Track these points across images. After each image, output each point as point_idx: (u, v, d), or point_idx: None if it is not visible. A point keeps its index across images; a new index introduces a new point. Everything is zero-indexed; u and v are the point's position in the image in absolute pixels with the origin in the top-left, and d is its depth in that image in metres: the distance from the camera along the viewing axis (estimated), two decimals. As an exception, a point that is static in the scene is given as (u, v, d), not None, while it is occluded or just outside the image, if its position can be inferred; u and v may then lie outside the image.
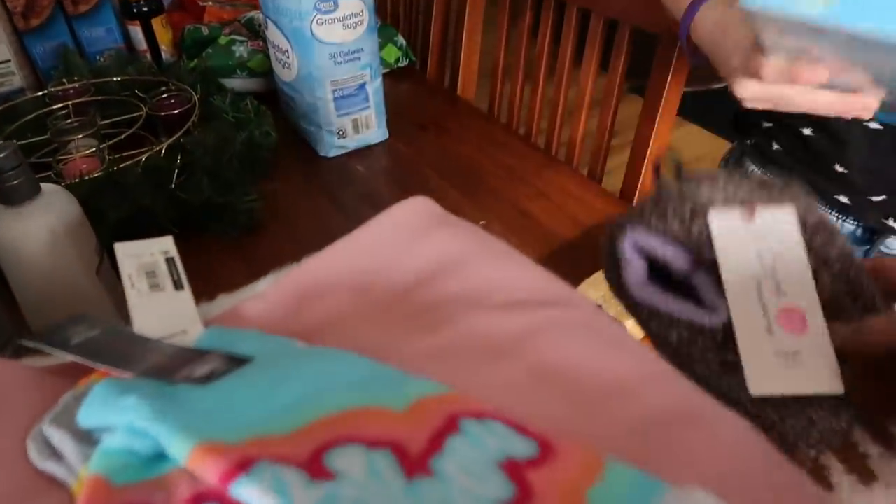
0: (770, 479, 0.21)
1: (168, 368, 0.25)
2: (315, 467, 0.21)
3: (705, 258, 0.30)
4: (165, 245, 0.32)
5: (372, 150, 0.79)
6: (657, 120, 0.70)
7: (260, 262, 0.39)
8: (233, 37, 0.81)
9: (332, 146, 0.76)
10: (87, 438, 0.24)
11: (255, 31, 0.85)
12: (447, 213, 0.34)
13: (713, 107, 2.01)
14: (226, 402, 0.24)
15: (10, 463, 0.23)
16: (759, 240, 0.29)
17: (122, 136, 0.70)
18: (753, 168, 0.68)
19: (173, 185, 0.66)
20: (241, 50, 0.81)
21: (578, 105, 0.81)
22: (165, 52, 0.86)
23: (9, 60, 0.79)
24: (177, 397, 0.24)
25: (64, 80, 0.75)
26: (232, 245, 0.66)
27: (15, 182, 0.47)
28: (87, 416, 0.24)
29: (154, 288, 0.30)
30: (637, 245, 0.30)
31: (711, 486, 0.20)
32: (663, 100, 0.69)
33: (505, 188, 0.72)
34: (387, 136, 0.80)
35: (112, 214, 0.61)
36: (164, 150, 0.67)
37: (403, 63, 0.91)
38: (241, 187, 0.68)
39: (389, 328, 0.28)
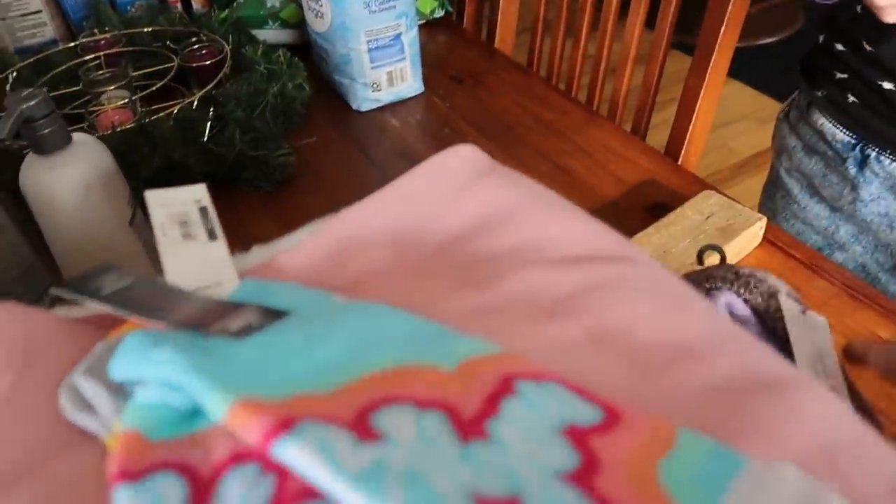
0: (857, 454, 0.19)
1: (202, 321, 0.23)
2: (362, 428, 0.19)
3: (776, 332, 0.37)
4: (198, 193, 0.31)
5: (406, 104, 0.76)
6: (708, 71, 0.66)
7: (292, 217, 0.37)
8: (265, -14, 0.79)
9: (366, 100, 0.74)
10: (121, 391, 0.22)
11: (287, -20, 0.82)
12: (495, 162, 0.32)
13: (757, 63, 1.93)
14: (264, 357, 0.23)
15: (42, 415, 0.23)
16: (811, 330, 0.36)
17: (154, 88, 0.69)
18: (823, 121, 0.64)
19: (205, 138, 0.65)
20: (273, 0, 0.78)
21: (622, 60, 0.77)
22: (196, 2, 0.84)
23: (40, 11, 0.77)
24: (213, 351, 0.23)
25: (95, 31, 0.74)
26: (264, 199, 0.64)
27: (46, 131, 0.46)
28: (119, 369, 0.23)
29: (187, 237, 0.29)
30: (728, 305, 0.37)
31: (791, 459, 0.18)
32: (716, 50, 0.65)
33: (544, 144, 0.70)
34: (422, 89, 0.77)
35: (144, 167, 0.60)
36: (196, 103, 0.66)
37: (439, 14, 0.88)
38: (273, 141, 0.67)
39: (434, 283, 0.26)
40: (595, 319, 0.23)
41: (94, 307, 0.25)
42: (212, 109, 0.67)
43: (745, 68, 1.77)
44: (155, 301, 0.25)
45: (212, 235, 0.29)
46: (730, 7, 0.64)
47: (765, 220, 0.54)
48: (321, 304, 0.26)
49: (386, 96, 0.75)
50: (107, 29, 0.75)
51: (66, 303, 0.28)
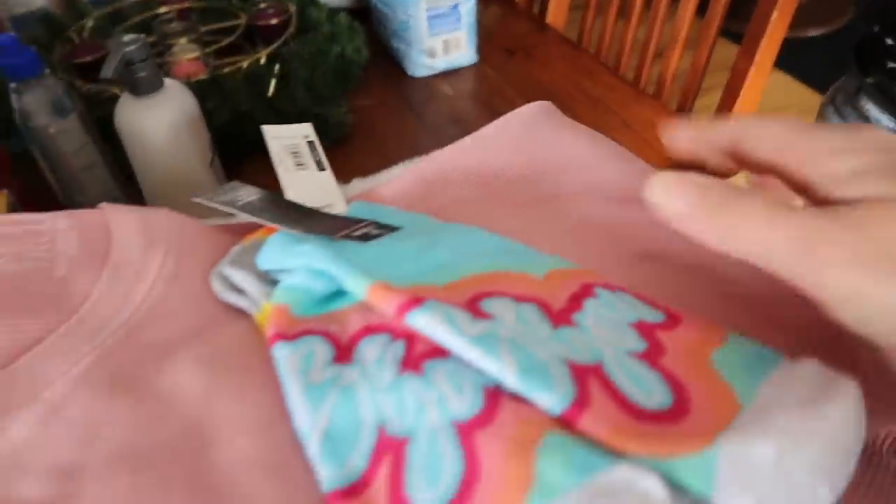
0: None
1: (327, 229, 0.29)
2: (474, 309, 0.24)
3: None
4: (306, 130, 0.36)
5: (459, 73, 0.81)
6: (757, 55, 0.70)
7: (349, 174, 0.42)
8: (328, -50, 0.83)
9: (421, 66, 0.79)
10: (266, 278, 0.28)
11: (348, -54, 0.87)
12: (568, 118, 0.37)
13: (803, 55, 1.94)
14: (385, 258, 0.28)
15: (200, 294, 0.28)
16: None
17: (223, 44, 0.74)
18: (870, 106, 0.68)
19: (270, 94, 0.70)
20: (335, -36, 0.83)
21: (671, 42, 0.81)
22: (260, -37, 0.89)
23: (114, -37, 0.83)
24: (344, 249, 0.28)
25: (167, -15, 0.79)
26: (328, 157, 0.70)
27: (143, 74, 0.51)
28: (266, 260, 0.28)
29: (299, 166, 0.34)
30: None
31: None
32: (766, 33, 0.69)
33: (591, 117, 0.74)
34: (476, 59, 0.82)
35: (216, 117, 0.66)
36: (263, 59, 0.71)
37: (494, -14, 0.92)
38: (332, 100, 0.72)
39: (515, 215, 0.32)
40: (663, 248, 0.29)
41: (232, 213, 0.30)
42: (277, 67, 0.72)
43: (790, 59, 1.78)
44: (282, 212, 0.30)
45: (320, 166, 0.34)
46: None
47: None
48: (423, 223, 0.31)
49: (440, 63, 0.80)
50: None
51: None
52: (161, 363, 0.26)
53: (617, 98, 0.77)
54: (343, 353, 0.25)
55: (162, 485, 0.22)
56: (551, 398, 0.22)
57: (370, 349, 0.24)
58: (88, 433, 0.23)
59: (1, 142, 0.61)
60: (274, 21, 0.76)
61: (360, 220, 0.30)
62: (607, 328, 0.25)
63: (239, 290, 0.28)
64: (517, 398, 0.22)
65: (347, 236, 0.28)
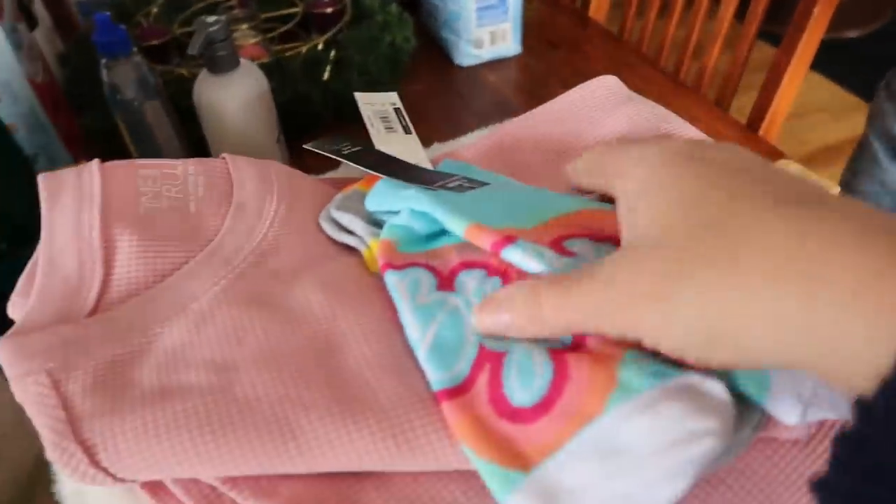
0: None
1: (424, 180, 0.34)
2: (559, 248, 0.29)
3: None
4: (393, 98, 0.41)
5: (504, 63, 0.86)
6: (797, 50, 0.75)
7: None
8: (380, -57, 0.89)
9: (468, 55, 0.84)
10: (370, 220, 0.33)
11: (397, -60, 0.92)
12: (634, 92, 0.42)
13: (840, 57, 1.97)
14: (478, 205, 0.33)
15: (310, 232, 0.33)
16: None
17: (281, 30, 0.79)
18: None
19: (325, 77, 0.76)
20: (387, -44, 0.88)
21: (711, 40, 0.86)
22: (312, -46, 0.94)
23: (175, -47, 0.88)
24: (442, 195, 0.33)
25: (228, -26, 0.85)
26: (377, 137, 0.75)
27: (222, 53, 0.57)
28: (374, 202, 0.33)
29: (388, 130, 0.39)
30: None
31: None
32: (807, 31, 0.74)
33: (634, 107, 0.78)
34: (520, 51, 0.87)
35: (277, 97, 0.71)
36: (320, 45, 0.77)
37: (538, -19, 0.97)
38: (384, 85, 0.77)
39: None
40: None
41: (338, 159, 0.35)
42: (333, 52, 0.77)
43: (826, 61, 1.81)
44: (381, 162, 0.35)
45: (406, 130, 0.39)
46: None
47: (837, 190, 0.63)
48: (505, 182, 0.36)
49: (486, 54, 0.85)
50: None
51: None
52: (288, 284, 0.31)
53: (657, 91, 0.82)
54: (445, 282, 0.30)
55: (303, 378, 0.27)
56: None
57: (470, 281, 0.29)
58: (235, 337, 0.29)
59: (79, 118, 0.67)
60: (329, 10, 0.81)
61: (452, 175, 0.35)
62: None
63: (347, 231, 0.33)
64: (600, 338, 0.27)
65: (443, 187, 0.33)
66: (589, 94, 0.41)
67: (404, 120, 0.40)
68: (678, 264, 0.22)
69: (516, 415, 0.26)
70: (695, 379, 0.24)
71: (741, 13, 0.83)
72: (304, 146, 0.35)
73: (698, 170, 0.24)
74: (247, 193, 0.34)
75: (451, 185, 0.34)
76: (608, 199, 0.31)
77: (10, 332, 0.28)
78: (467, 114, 0.79)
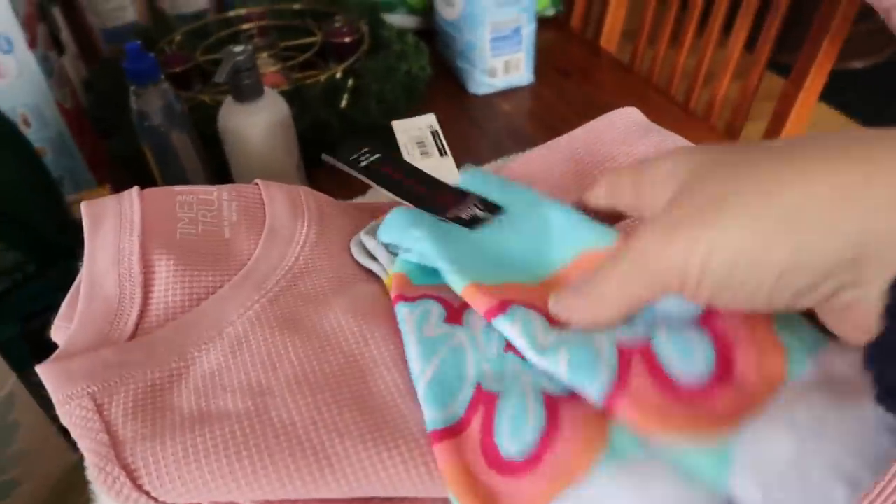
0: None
1: (439, 205, 0.35)
2: (551, 318, 0.30)
3: None
4: (430, 120, 0.42)
5: (518, 92, 0.87)
6: (806, 80, 0.76)
7: None
8: (397, -25, 0.91)
9: (482, 84, 0.85)
10: (391, 248, 0.34)
11: (414, -28, 0.94)
12: (653, 123, 0.43)
13: (846, 87, 1.99)
14: (488, 249, 0.34)
15: (339, 257, 0.34)
16: None
17: (302, 59, 0.81)
18: None
19: (343, 105, 0.77)
20: (403, -12, 0.90)
21: (721, 69, 0.87)
22: (330, -15, 0.96)
23: (197, -17, 0.91)
24: (450, 236, 0.34)
25: (248, 5, 0.87)
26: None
27: (248, 82, 0.58)
28: (385, 235, 0.34)
29: (424, 154, 0.40)
30: None
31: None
32: (816, 62, 0.75)
33: (646, 136, 0.79)
34: (533, 80, 0.88)
35: (297, 124, 0.72)
36: (339, 74, 0.78)
37: (551, 12, 0.99)
38: (401, 112, 0.78)
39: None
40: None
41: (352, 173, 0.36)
42: (351, 81, 0.78)
43: (833, 91, 1.82)
44: (397, 176, 0.36)
45: (442, 152, 0.40)
46: (834, 21, 0.73)
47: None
48: (526, 198, 0.37)
49: (500, 83, 0.86)
50: (249, 4, 0.88)
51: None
52: (319, 308, 0.32)
53: (667, 119, 0.82)
54: (454, 315, 0.31)
55: (337, 403, 0.28)
56: (593, 388, 0.26)
57: (478, 319, 0.30)
58: (269, 361, 0.29)
59: (105, 142, 0.69)
60: (347, 39, 0.83)
61: (468, 195, 0.36)
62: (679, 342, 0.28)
63: (372, 257, 0.34)
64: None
65: (456, 217, 0.34)
66: (611, 125, 0.42)
67: (440, 142, 0.41)
68: (720, 192, 0.23)
69: (505, 467, 0.26)
70: (688, 461, 0.24)
71: (751, 43, 0.84)
72: (322, 156, 0.37)
73: (726, 150, 0.26)
74: (278, 218, 0.35)
75: (464, 214, 0.35)
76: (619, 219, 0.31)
77: (54, 355, 0.28)
78: (482, 141, 0.80)
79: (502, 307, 0.30)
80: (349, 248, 0.35)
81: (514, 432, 0.27)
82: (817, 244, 0.21)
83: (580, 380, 0.27)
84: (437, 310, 0.31)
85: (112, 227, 0.32)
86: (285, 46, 0.85)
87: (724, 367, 0.26)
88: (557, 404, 0.27)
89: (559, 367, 0.27)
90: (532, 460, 0.26)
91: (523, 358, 0.29)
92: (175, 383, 0.28)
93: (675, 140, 0.42)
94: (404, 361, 0.30)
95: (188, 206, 0.34)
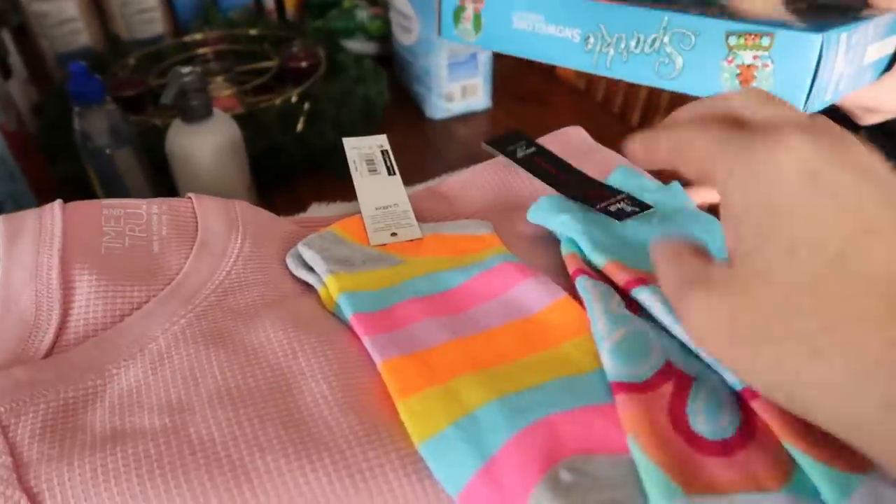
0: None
1: (590, 197, 0.36)
2: None
3: None
4: (381, 140, 0.42)
5: (475, 116, 0.88)
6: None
7: None
8: (355, 1, 0.91)
9: (440, 109, 0.85)
10: (330, 259, 0.33)
11: (372, -1, 0.95)
12: (597, 143, 0.43)
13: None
14: (632, 239, 0.35)
15: (273, 273, 0.33)
16: None
17: (257, 83, 0.80)
18: None
19: (299, 129, 0.76)
20: (362, 15, 0.91)
21: (678, 98, 0.88)
22: (289, 12, 0.97)
23: (153, 9, 0.90)
24: (596, 223, 0.35)
25: (205, 30, 0.86)
26: (347, 187, 0.75)
27: (195, 103, 0.57)
28: (534, 217, 0.36)
29: (372, 172, 0.39)
30: None
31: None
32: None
33: (601, 159, 0.80)
34: (490, 105, 0.88)
35: (251, 147, 0.71)
36: (294, 97, 0.77)
37: (508, 39, 1.00)
38: (358, 136, 0.78)
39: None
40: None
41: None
42: (307, 105, 0.78)
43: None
44: (551, 169, 0.38)
45: (390, 171, 0.40)
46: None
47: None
48: (676, 200, 0.38)
49: (457, 107, 0.86)
50: (206, 29, 0.87)
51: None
52: (249, 323, 0.30)
53: (614, 139, 0.84)
54: (633, 306, 0.32)
55: (259, 418, 0.26)
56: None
57: (654, 305, 0.30)
58: (191, 377, 0.28)
59: (51, 165, 0.67)
60: (304, 64, 0.83)
61: (618, 193, 0.37)
62: None
63: (308, 268, 0.33)
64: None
65: (605, 209, 0.36)
66: (554, 143, 0.42)
67: (389, 161, 0.41)
68: (775, 309, 0.20)
69: (693, 439, 0.26)
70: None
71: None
72: (483, 144, 0.40)
73: (817, 205, 0.20)
74: (211, 232, 0.34)
75: (612, 207, 0.36)
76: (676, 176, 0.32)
77: (-41, 373, 0.27)
78: (439, 165, 0.80)
79: (642, 281, 0.31)
80: (283, 262, 0.34)
81: (709, 416, 0.26)
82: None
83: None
84: (616, 295, 0.32)
85: (30, 241, 0.31)
86: (241, 71, 0.85)
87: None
88: (753, 411, 0.27)
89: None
90: (724, 447, 0.25)
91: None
92: (90, 402, 0.27)
93: (617, 158, 0.42)
94: (338, 373, 0.29)
95: (115, 220, 0.33)
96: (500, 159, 0.42)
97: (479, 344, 0.30)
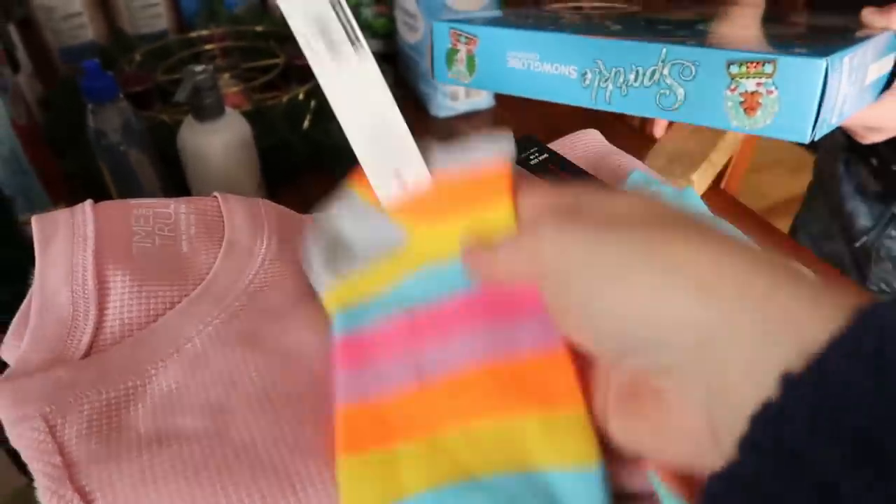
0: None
1: None
2: None
3: None
4: None
5: (479, 115, 0.88)
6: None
7: None
8: (360, 0, 0.91)
9: (444, 107, 0.86)
10: (331, 260, 0.31)
11: (377, -4, 0.94)
12: (613, 146, 0.43)
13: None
14: None
15: (298, 273, 0.33)
16: None
17: (264, 80, 0.80)
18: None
19: (305, 126, 0.76)
20: (366, 13, 0.91)
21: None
22: (293, 8, 0.96)
23: (158, 4, 0.90)
24: None
25: (210, 26, 0.86)
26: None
27: (208, 101, 0.57)
28: None
29: (333, 54, 0.30)
30: None
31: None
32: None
33: (604, 159, 0.81)
34: (493, 103, 0.89)
35: (258, 144, 0.71)
36: (301, 95, 0.77)
37: (510, 38, 1.00)
38: (364, 135, 0.78)
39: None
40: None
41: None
42: (313, 102, 0.78)
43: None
44: (564, 176, 0.39)
45: (354, 42, 0.30)
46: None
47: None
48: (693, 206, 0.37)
49: (461, 106, 0.86)
50: (211, 25, 0.87)
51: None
52: (280, 324, 0.31)
53: (624, 142, 0.84)
54: None
55: (299, 421, 0.27)
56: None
57: None
58: (229, 379, 0.28)
59: (61, 160, 0.67)
60: (310, 61, 0.82)
61: None
62: None
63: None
64: None
65: None
66: (572, 147, 0.42)
67: (352, 28, 0.31)
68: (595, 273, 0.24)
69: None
70: None
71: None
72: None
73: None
74: (238, 231, 0.34)
75: None
76: None
77: (4, 375, 0.27)
78: (444, 162, 0.80)
79: None
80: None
81: None
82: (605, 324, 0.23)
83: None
84: None
85: (64, 241, 0.31)
86: (247, 67, 0.85)
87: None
88: None
89: None
90: None
91: None
92: (131, 402, 0.27)
93: (633, 162, 0.42)
94: None
95: (144, 220, 0.33)
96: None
97: (446, 394, 0.27)
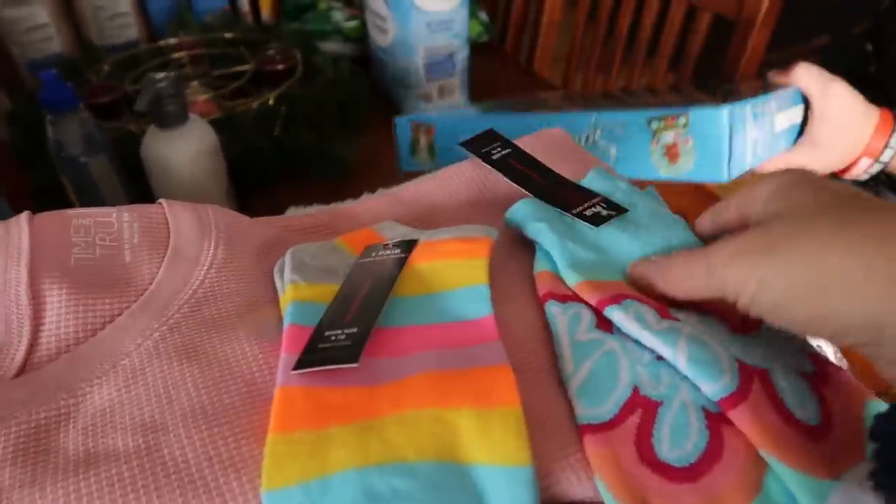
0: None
1: (564, 200, 0.36)
2: (664, 312, 0.30)
3: None
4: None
5: (453, 116, 0.86)
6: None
7: None
8: (331, 3, 0.89)
9: (418, 109, 0.84)
10: (309, 269, 0.31)
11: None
12: (578, 145, 0.42)
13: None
14: (607, 247, 0.34)
15: (248, 280, 0.32)
16: None
17: (234, 87, 0.79)
18: None
19: (276, 132, 0.75)
20: (338, 16, 0.89)
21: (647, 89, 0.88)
22: (265, 15, 0.95)
23: (128, 13, 0.88)
24: (571, 231, 0.34)
25: (180, 34, 0.84)
26: (328, 188, 0.74)
27: (171, 108, 0.55)
28: (514, 218, 0.35)
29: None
30: None
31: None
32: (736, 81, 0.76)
33: (579, 156, 0.79)
34: (468, 103, 0.87)
35: (229, 152, 0.70)
36: (271, 100, 0.76)
37: (484, 38, 0.99)
38: (335, 138, 0.77)
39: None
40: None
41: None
42: (284, 108, 0.76)
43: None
44: (525, 171, 0.37)
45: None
46: (749, 46, 0.75)
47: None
48: (648, 202, 0.37)
49: (435, 107, 0.85)
50: (181, 34, 0.85)
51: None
52: (223, 335, 0.29)
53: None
54: (604, 323, 0.30)
55: (234, 436, 0.25)
56: (713, 387, 0.26)
57: (627, 322, 0.29)
58: (165, 394, 0.26)
59: (26, 173, 0.65)
60: (280, 67, 0.81)
61: (593, 195, 0.37)
62: (780, 344, 0.29)
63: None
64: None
65: (580, 214, 0.35)
66: (533, 146, 0.41)
67: None
68: (784, 238, 0.26)
69: (658, 467, 0.25)
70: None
71: (676, 61, 0.86)
72: (459, 144, 0.40)
73: (819, 192, 0.28)
74: (183, 238, 0.33)
75: (588, 212, 0.35)
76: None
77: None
78: (418, 165, 0.78)
79: (615, 299, 0.30)
80: (260, 268, 0.33)
81: (675, 442, 0.26)
82: (837, 308, 0.24)
83: (701, 375, 0.27)
84: (587, 315, 0.31)
85: (-3, 256, 0.29)
86: (218, 75, 0.83)
87: (825, 426, 0.26)
88: (720, 427, 0.26)
89: (678, 358, 0.27)
90: (689, 472, 0.25)
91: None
92: (62, 422, 0.25)
93: (593, 160, 0.41)
94: None
95: (84, 230, 0.31)
96: (473, 160, 0.40)
97: (390, 391, 0.27)
